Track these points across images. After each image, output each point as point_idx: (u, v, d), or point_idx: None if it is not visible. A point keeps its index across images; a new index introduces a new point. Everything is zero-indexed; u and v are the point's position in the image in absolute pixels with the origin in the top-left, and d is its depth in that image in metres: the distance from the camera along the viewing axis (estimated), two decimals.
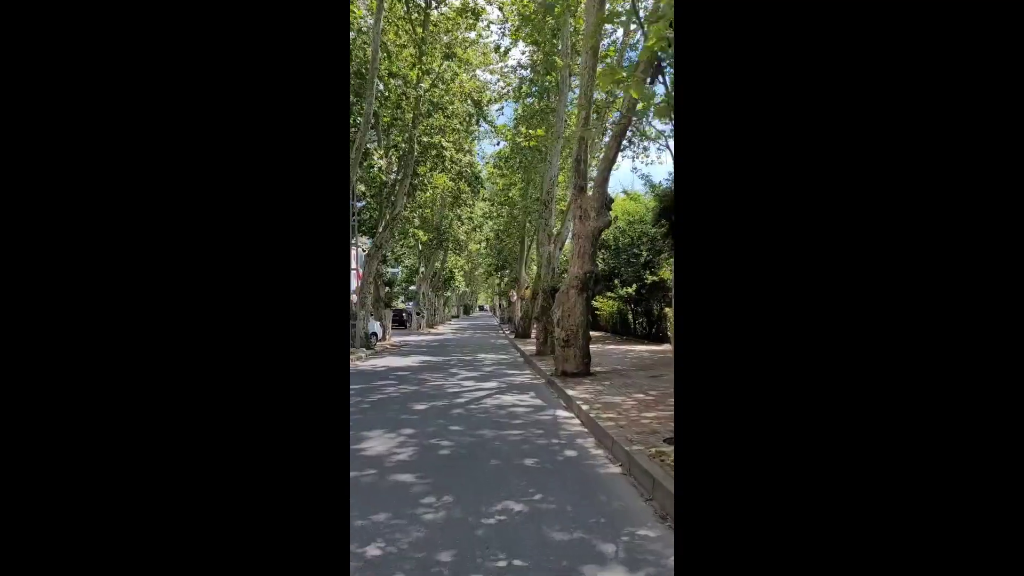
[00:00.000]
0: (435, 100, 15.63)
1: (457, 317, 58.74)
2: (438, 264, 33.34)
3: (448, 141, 16.45)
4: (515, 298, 23.85)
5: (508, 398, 7.14)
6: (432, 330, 29.45)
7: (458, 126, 17.09)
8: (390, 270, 22.97)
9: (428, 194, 21.35)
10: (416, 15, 14.40)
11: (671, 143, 11.69)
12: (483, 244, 28.95)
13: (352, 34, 13.28)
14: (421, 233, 22.81)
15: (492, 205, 26.39)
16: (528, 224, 24.40)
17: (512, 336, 20.89)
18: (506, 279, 33.87)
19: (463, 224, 27.97)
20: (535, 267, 24.52)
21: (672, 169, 12.18)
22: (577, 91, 11.52)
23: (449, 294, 38.64)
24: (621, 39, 13.42)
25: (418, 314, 27.93)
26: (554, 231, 14.23)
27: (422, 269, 28.73)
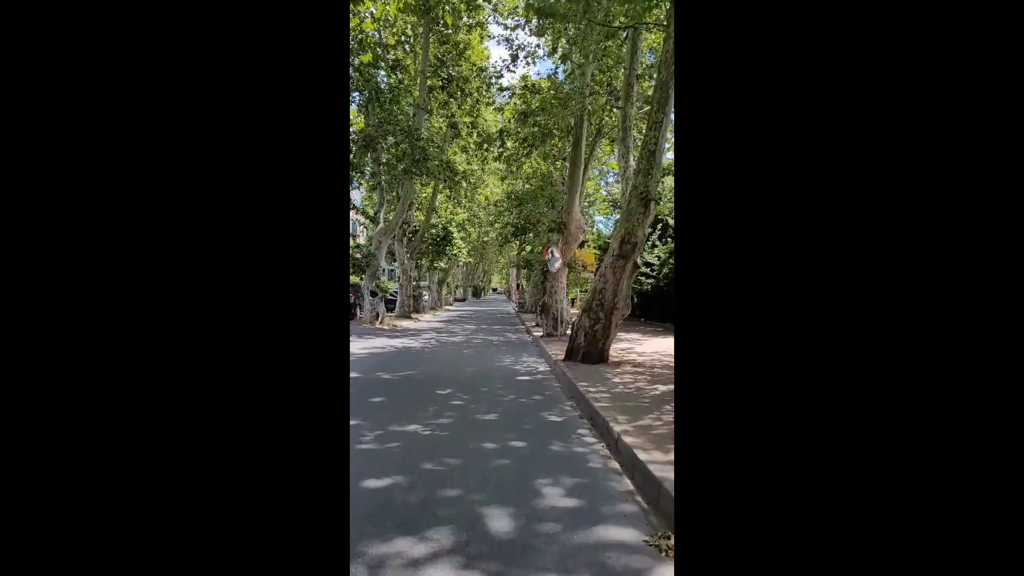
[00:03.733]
0: None
1: (463, 300, 46.34)
2: (418, 213, 20.86)
3: None
4: (558, 263, 11.12)
5: None
6: (402, 325, 17.07)
7: None
8: None
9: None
10: None
11: None
12: (491, 158, 15.58)
13: None
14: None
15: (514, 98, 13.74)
16: (589, 114, 11.59)
17: (558, 355, 8.40)
18: (536, 240, 21.41)
19: (459, 135, 15.46)
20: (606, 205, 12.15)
21: None
22: None
23: (444, 264, 25.99)
24: None
25: (375, 295, 15.42)
26: None
27: (384, 216, 16.20)
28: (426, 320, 19.50)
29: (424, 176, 14.40)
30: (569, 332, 12.00)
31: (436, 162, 15.16)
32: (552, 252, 11.07)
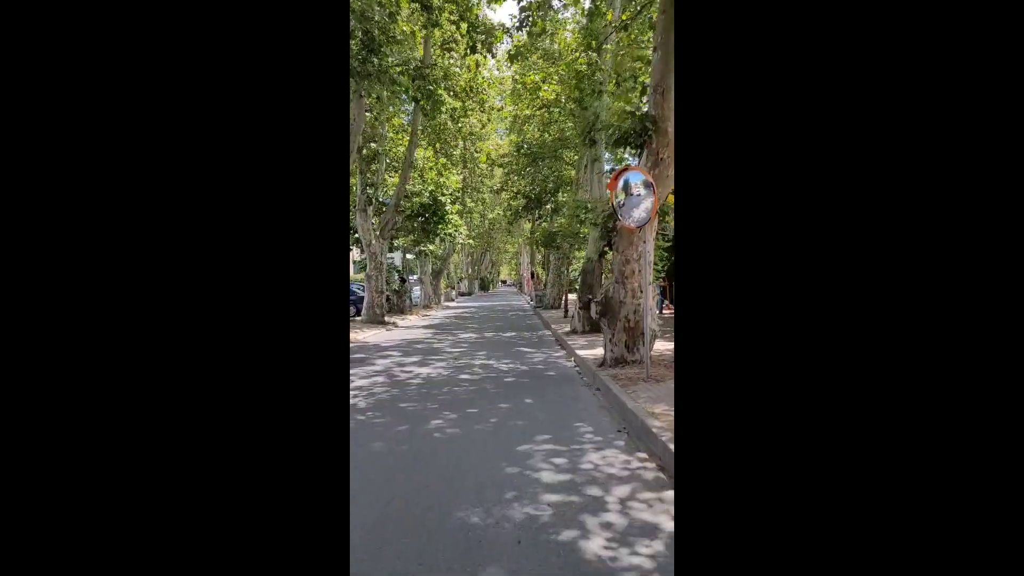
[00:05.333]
0: None
1: (469, 295, 40.34)
2: (393, 177, 14.98)
3: None
4: (645, 207, 5.09)
5: None
6: (359, 338, 11.20)
7: None
8: None
9: None
10: None
11: None
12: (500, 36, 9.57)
13: None
14: None
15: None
16: None
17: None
18: (556, 215, 15.45)
19: (437, 23, 9.40)
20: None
21: None
22: None
23: (435, 248, 19.89)
24: None
25: None
26: None
27: None
28: (406, 325, 13.55)
29: (379, 85, 8.38)
30: (646, 351, 5.89)
31: (399, 67, 9.10)
32: (628, 181, 4.89)
